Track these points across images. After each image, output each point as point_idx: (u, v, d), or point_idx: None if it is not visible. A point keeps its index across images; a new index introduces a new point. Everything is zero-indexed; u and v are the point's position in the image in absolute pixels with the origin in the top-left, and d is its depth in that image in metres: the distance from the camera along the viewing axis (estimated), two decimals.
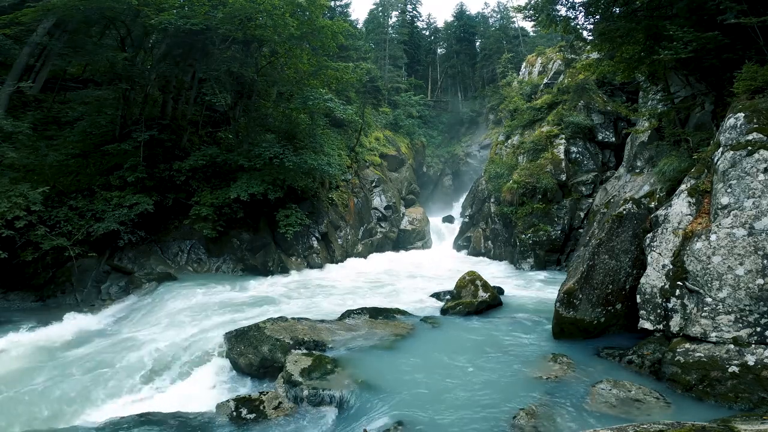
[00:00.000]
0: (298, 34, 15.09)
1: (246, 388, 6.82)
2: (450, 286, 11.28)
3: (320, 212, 17.75)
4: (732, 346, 5.53)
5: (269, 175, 14.60)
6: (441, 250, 23.04)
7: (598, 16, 10.86)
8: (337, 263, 17.90)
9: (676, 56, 8.05)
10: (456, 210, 28.56)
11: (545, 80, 22.53)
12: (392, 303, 10.63)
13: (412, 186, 29.00)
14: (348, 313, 9.24)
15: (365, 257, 20.09)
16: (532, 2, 11.71)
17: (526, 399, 5.40)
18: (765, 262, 5.53)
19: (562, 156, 17.29)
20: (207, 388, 6.87)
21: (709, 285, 5.91)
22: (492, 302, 9.98)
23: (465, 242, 22.24)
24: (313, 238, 17.03)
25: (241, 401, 5.81)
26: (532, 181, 16.97)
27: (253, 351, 7.19)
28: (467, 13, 49.90)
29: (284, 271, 15.12)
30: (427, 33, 52.61)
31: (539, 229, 16.25)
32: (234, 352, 7.28)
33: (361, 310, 9.41)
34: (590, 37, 12.22)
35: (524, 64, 27.26)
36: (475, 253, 20.60)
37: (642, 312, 6.63)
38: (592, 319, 7.35)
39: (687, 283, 6.14)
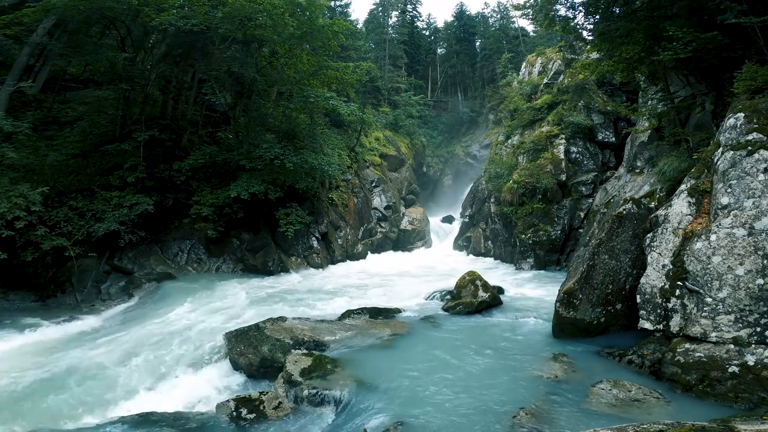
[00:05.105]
0: (298, 33, 15.09)
1: (246, 388, 6.82)
2: (450, 286, 11.28)
3: (320, 212, 17.75)
4: (732, 346, 5.53)
5: (270, 175, 14.60)
6: (441, 250, 23.03)
7: (597, 16, 10.83)
8: (337, 263, 17.91)
9: (676, 56, 8.04)
10: (456, 210, 28.55)
11: (545, 80, 22.51)
12: (392, 303, 10.64)
13: (412, 186, 29.00)
14: (348, 313, 9.25)
15: (365, 257, 20.09)
16: (531, 1, 11.70)
17: (526, 398, 5.40)
18: (765, 262, 5.53)
19: (562, 156, 17.28)
20: (207, 388, 6.87)
21: (709, 285, 5.90)
22: (492, 302, 9.98)
23: (465, 242, 22.23)
24: (313, 238, 17.03)
25: (241, 401, 5.81)
26: (532, 181, 16.97)
27: (253, 351, 7.19)
28: (467, 13, 49.94)
29: (284, 271, 15.13)
30: (427, 33, 52.60)
31: (539, 229, 16.24)
32: (234, 352, 7.29)
33: (361, 310, 9.42)
34: (590, 37, 12.19)
35: (524, 64, 27.23)
36: (475, 253, 20.59)
37: (642, 312, 6.63)
38: (592, 319, 7.35)
39: (687, 283, 6.14)
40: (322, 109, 18.62)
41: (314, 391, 5.88)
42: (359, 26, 40.43)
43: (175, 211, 14.31)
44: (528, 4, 11.83)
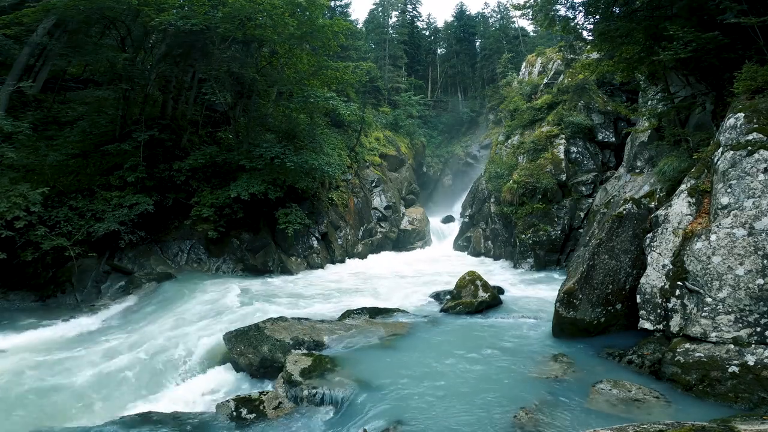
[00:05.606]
0: (298, 33, 15.09)
1: (246, 388, 6.82)
2: (450, 286, 11.28)
3: (320, 212, 17.75)
4: (732, 346, 5.53)
5: (270, 174, 14.61)
6: (441, 250, 23.02)
7: (597, 16, 10.83)
8: (336, 263, 17.91)
9: (676, 56, 8.04)
10: (456, 210, 28.54)
11: (545, 80, 22.51)
12: (392, 303, 10.64)
13: (412, 186, 29.00)
14: (348, 313, 9.25)
15: (365, 257, 20.09)
16: (531, 1, 11.69)
17: (526, 398, 5.40)
18: (765, 262, 5.53)
19: (562, 156, 17.28)
20: (207, 388, 6.87)
21: (709, 285, 5.90)
22: (492, 302, 9.98)
23: (465, 242, 22.23)
24: (313, 238, 17.03)
25: (241, 401, 5.81)
26: (532, 181, 16.96)
27: (253, 351, 7.19)
28: (467, 13, 49.92)
29: (284, 271, 15.13)
30: (427, 33, 52.59)
31: (539, 229, 16.24)
32: (234, 352, 7.28)
33: (361, 310, 9.42)
34: (590, 37, 12.19)
35: (524, 64, 27.22)
36: (475, 253, 20.59)
37: (642, 312, 6.63)
38: (592, 319, 7.35)
39: (687, 283, 6.14)
40: (322, 109, 18.63)
41: (314, 391, 5.88)
42: (359, 26, 40.44)
43: (175, 211, 14.32)
44: (528, 4, 11.82)
